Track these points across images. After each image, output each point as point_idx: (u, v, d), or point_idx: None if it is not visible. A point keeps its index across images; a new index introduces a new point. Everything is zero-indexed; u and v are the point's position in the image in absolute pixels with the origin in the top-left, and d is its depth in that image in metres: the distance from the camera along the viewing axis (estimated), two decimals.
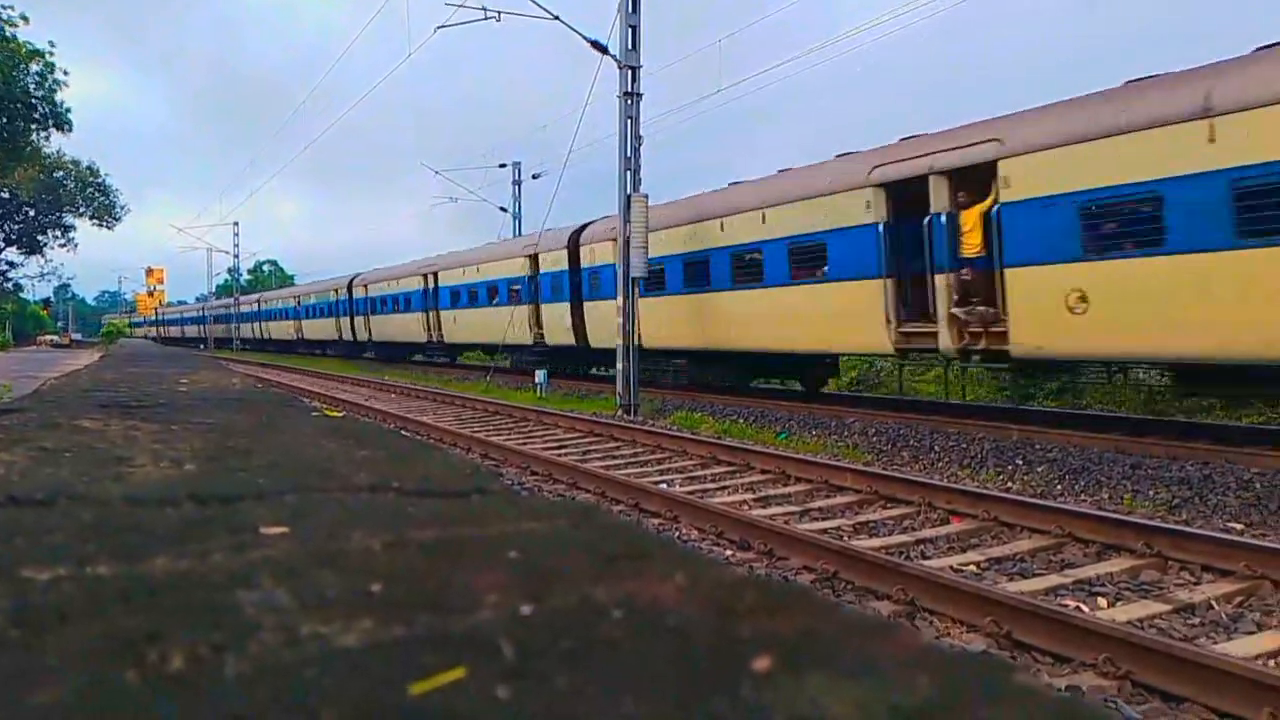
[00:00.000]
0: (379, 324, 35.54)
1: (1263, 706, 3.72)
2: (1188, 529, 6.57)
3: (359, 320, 37.76)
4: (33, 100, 35.86)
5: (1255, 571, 5.55)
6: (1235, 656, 4.23)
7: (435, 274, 29.96)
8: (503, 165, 36.88)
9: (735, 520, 7.26)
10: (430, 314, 30.34)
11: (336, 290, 40.38)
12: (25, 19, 34.30)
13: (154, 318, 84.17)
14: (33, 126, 37.07)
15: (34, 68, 35.33)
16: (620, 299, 16.35)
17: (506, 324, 23.50)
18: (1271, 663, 4.41)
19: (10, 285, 59.61)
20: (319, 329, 43.52)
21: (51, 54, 35.80)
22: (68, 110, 38.15)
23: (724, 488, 9.14)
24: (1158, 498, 8.24)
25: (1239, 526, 7.25)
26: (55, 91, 36.80)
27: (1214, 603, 5.29)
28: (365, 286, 36.76)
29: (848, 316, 13.72)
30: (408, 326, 32.05)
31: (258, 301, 57.37)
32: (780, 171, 16.49)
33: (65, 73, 37.01)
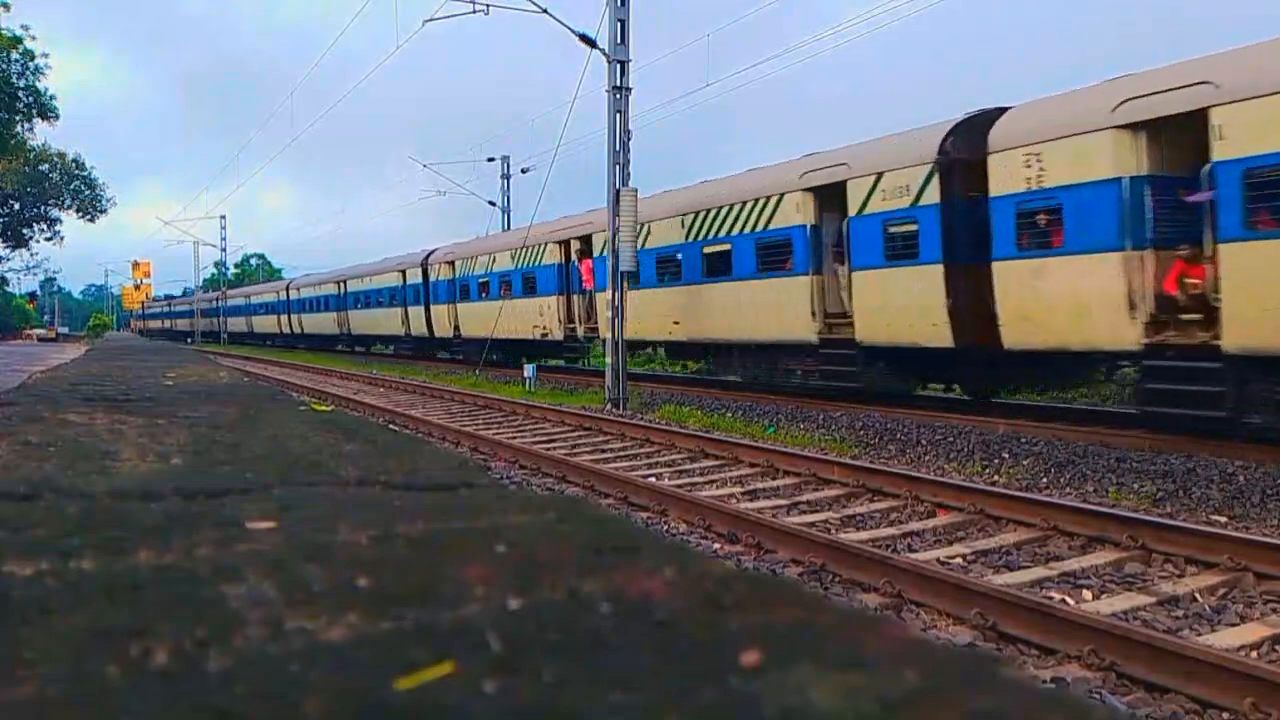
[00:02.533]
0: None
1: (1245, 697, 3.76)
2: (1172, 522, 6.63)
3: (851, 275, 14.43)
4: (15, 90, 35.45)
5: (1238, 563, 5.60)
6: (1218, 648, 4.27)
7: None
8: (491, 159, 36.70)
9: (723, 513, 7.27)
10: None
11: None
12: (6, 5, 33.84)
13: (214, 306, 70.16)
14: (17, 118, 36.65)
15: (14, 55, 34.88)
16: (610, 291, 16.35)
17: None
18: (1254, 654, 4.45)
19: None
20: (667, 309, 18.21)
21: (32, 38, 35.39)
22: (52, 98, 37.77)
23: (712, 481, 9.16)
24: (1142, 491, 8.30)
25: (1222, 519, 7.31)
26: (38, 79, 36.40)
27: (1197, 595, 5.34)
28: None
29: None
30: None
31: (448, 262, 28.53)
32: None
33: (46, 56, 36.61)
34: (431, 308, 29.56)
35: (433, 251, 30.41)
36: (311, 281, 44.69)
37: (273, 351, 44.14)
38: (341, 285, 38.60)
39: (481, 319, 24.81)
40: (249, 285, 70.46)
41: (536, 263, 23.00)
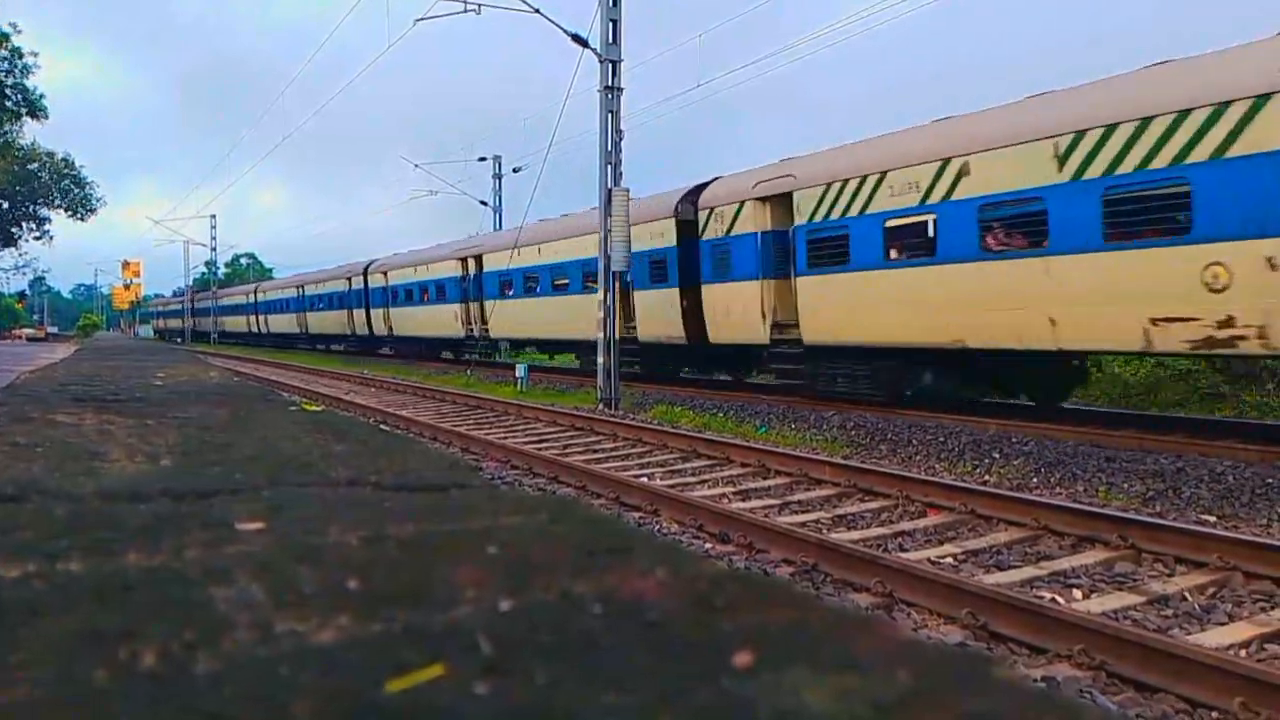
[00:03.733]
0: None
1: (1234, 696, 3.77)
2: (1161, 521, 6.65)
3: None
4: (3, 88, 35.30)
5: (1227, 563, 5.63)
6: (1208, 647, 4.28)
7: None
8: (482, 159, 36.69)
9: (715, 513, 7.26)
10: None
11: None
12: None
13: (251, 302, 54.45)
14: (5, 116, 36.49)
15: (1, 52, 34.74)
16: (601, 292, 16.34)
17: None
18: (1243, 653, 4.47)
19: None
20: None
21: (20, 32, 35.24)
22: (41, 96, 37.62)
23: (704, 481, 9.16)
24: (1132, 490, 8.33)
25: (1212, 518, 7.34)
26: (26, 77, 36.26)
27: (1187, 594, 5.36)
28: None
29: None
30: None
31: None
32: None
33: (35, 55, 36.47)
34: (704, 289, 16.87)
35: (705, 185, 17.30)
36: (410, 261, 30.44)
37: (267, 351, 43.65)
38: (470, 264, 26.04)
39: (873, 306, 13.22)
40: (299, 274, 53.24)
41: (1072, 174, 10.24)
